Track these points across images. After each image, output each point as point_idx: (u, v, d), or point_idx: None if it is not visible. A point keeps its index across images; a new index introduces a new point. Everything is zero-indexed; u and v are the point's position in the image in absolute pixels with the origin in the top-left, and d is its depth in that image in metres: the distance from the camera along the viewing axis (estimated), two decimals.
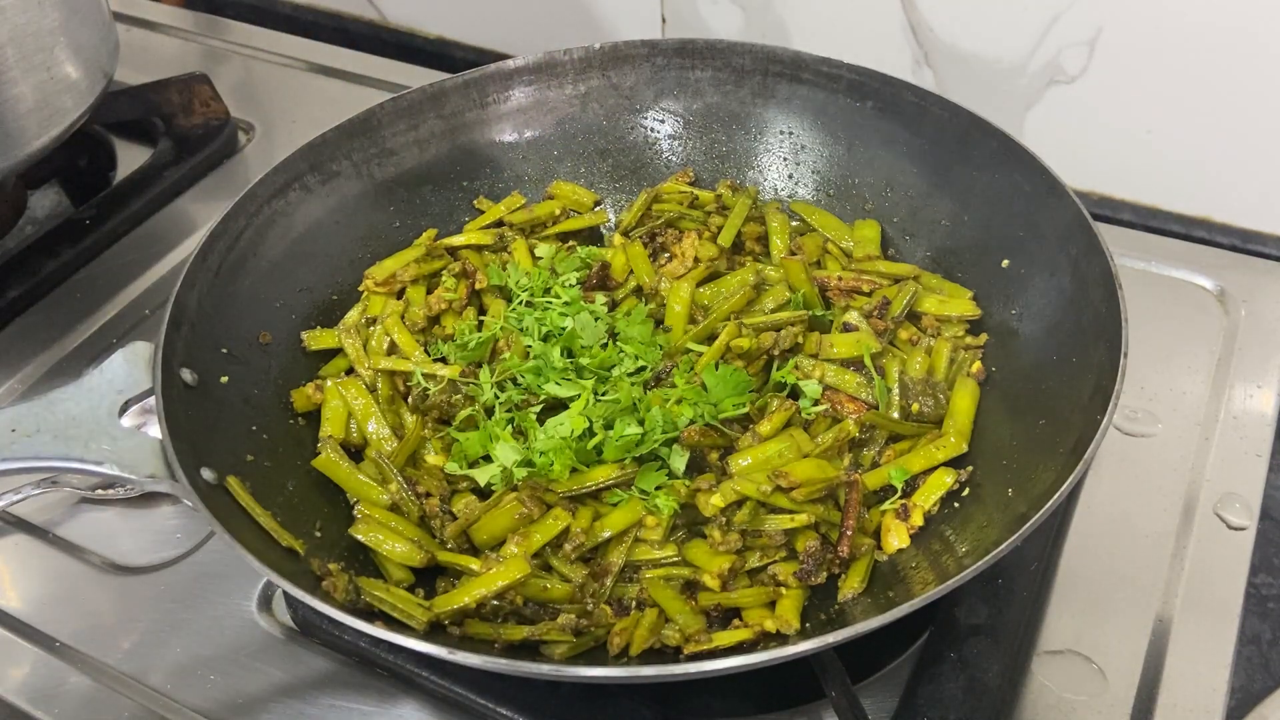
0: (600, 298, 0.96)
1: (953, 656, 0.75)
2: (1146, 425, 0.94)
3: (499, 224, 1.05)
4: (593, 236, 1.07)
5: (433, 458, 0.86)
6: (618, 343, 0.90)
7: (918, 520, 0.79)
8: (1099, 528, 0.87)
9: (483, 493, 0.83)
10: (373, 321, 0.95)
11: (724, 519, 0.78)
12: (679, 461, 0.82)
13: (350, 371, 0.93)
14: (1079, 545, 0.86)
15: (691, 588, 0.78)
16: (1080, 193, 0.87)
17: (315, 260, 0.98)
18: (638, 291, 0.98)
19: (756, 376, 0.89)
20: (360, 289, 0.98)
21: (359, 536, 0.79)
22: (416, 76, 1.37)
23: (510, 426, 0.85)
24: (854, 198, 1.04)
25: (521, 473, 0.81)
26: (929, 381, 0.87)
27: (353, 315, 0.96)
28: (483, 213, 1.06)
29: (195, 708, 0.79)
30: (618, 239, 1.01)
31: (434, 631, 0.73)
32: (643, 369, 0.88)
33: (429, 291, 0.98)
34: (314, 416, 0.90)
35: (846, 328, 0.91)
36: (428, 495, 0.82)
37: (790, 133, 1.06)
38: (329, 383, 0.90)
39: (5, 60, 1.00)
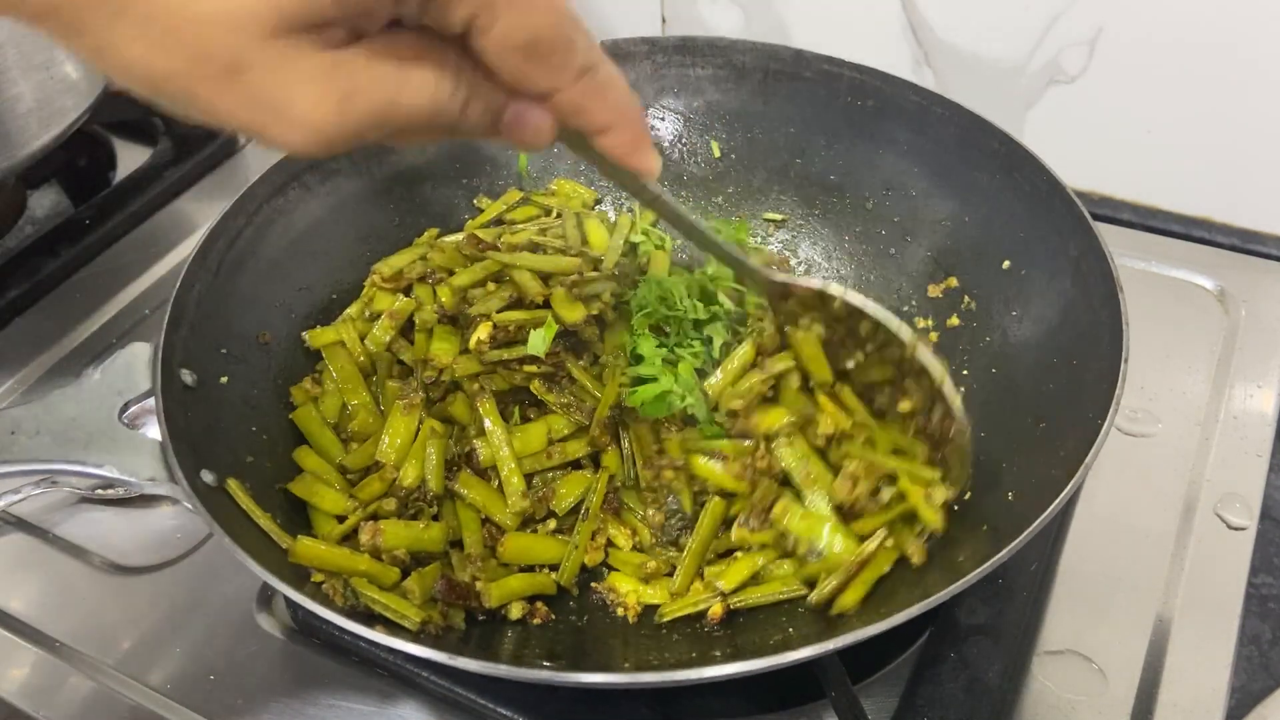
0: None
1: (953, 656, 0.75)
2: (1146, 425, 0.94)
3: (498, 222, 1.05)
4: None
5: None
6: None
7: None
8: (1099, 528, 0.87)
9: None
10: (376, 316, 0.94)
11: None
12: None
13: None
14: (1079, 545, 0.86)
15: None
16: (1080, 193, 0.87)
17: (315, 259, 0.98)
18: None
19: None
20: (366, 284, 0.98)
21: (293, 490, 0.82)
22: None
23: None
24: (854, 197, 1.04)
25: None
26: None
27: (354, 309, 0.96)
28: (483, 211, 1.06)
29: (195, 708, 0.79)
30: None
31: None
32: None
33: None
34: None
35: None
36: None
37: (791, 131, 1.06)
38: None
39: (5, 60, 1.00)
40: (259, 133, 0.49)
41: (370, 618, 0.72)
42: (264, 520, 0.75)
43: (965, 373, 0.91)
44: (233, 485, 0.77)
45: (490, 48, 0.51)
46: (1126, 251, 1.07)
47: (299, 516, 0.81)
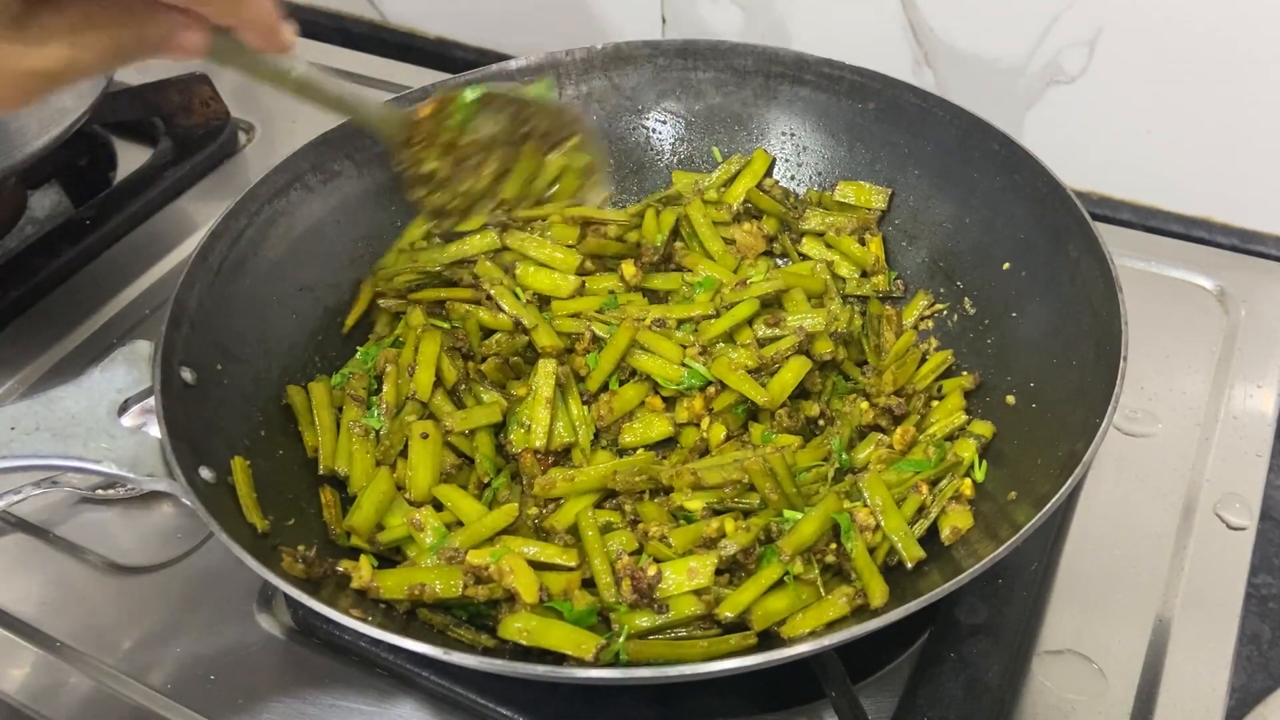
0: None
1: (953, 656, 0.75)
2: (1146, 425, 0.94)
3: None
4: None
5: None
6: None
7: (969, 490, 0.80)
8: (1099, 528, 0.87)
9: None
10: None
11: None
12: None
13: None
14: (1079, 545, 0.86)
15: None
16: (1080, 193, 0.87)
17: (316, 259, 0.98)
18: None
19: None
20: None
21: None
22: (416, 77, 1.37)
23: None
24: None
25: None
26: None
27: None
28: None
29: (195, 708, 0.79)
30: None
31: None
32: None
33: None
34: None
35: None
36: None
37: (792, 134, 1.06)
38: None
39: None
40: None
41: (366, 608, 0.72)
42: (253, 514, 0.76)
43: (965, 373, 0.91)
44: (238, 463, 0.78)
45: None
46: (1126, 251, 1.07)
47: (296, 516, 0.81)
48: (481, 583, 0.75)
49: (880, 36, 1.18)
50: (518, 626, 0.72)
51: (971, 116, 0.94)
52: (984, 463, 0.82)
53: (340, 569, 0.76)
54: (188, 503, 0.71)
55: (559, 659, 0.71)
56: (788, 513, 0.79)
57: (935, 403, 0.89)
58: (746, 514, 0.81)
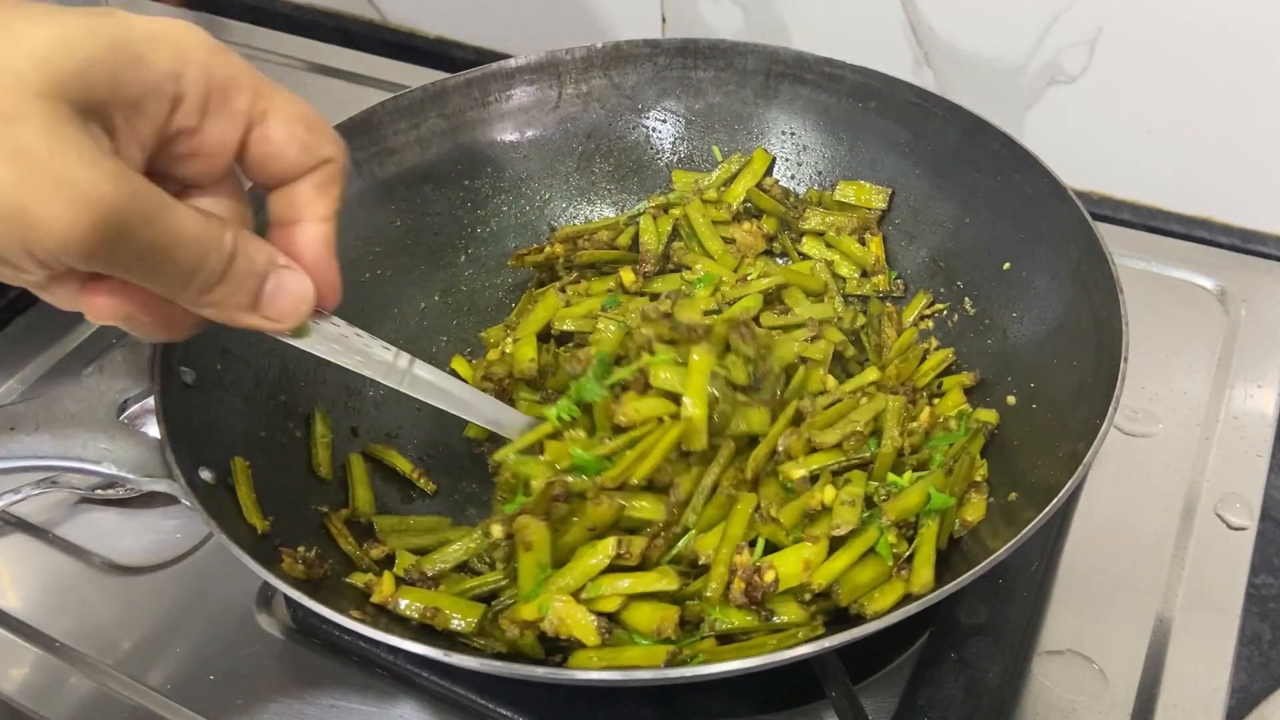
0: None
1: (953, 656, 0.75)
2: (1146, 425, 0.94)
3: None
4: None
5: None
6: None
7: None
8: (1099, 528, 0.87)
9: None
10: None
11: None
12: None
13: None
14: (1079, 545, 0.86)
15: None
16: (1080, 193, 0.87)
17: None
18: None
19: None
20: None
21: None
22: (416, 76, 1.37)
23: None
24: None
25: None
26: None
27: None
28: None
29: (195, 708, 0.79)
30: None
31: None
32: None
33: None
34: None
35: None
36: None
37: (793, 133, 1.06)
38: None
39: None
40: (14, 200, 0.45)
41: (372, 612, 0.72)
42: (253, 515, 0.76)
43: (964, 372, 0.91)
44: (238, 463, 0.77)
45: (277, 126, 0.57)
46: (1126, 251, 1.07)
47: (298, 516, 0.81)
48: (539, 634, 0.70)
49: (880, 36, 1.19)
50: (587, 656, 0.69)
51: (972, 116, 0.94)
52: (985, 462, 0.82)
53: (360, 584, 0.75)
54: (187, 504, 0.71)
55: (561, 660, 0.71)
56: (892, 477, 0.77)
57: (936, 400, 0.89)
58: (836, 474, 0.78)
